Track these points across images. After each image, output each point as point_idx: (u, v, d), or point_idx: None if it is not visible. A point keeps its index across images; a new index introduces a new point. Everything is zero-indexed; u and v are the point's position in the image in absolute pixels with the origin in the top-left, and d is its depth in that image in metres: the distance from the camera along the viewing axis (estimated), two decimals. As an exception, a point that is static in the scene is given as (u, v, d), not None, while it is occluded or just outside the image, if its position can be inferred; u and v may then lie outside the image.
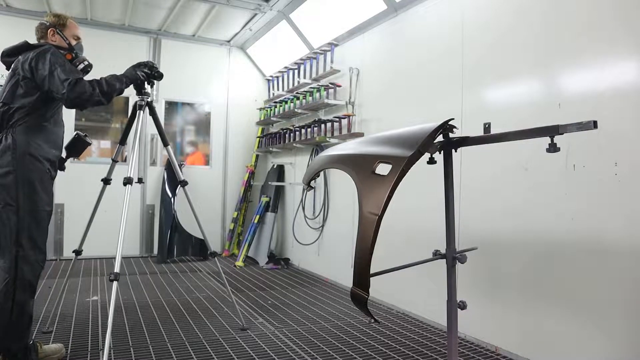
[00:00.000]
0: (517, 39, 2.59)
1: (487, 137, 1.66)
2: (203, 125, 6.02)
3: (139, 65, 2.55)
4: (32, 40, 2.40)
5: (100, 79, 2.26)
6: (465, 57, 2.93)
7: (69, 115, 5.19)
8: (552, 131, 1.31)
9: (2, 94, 2.22)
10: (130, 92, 2.67)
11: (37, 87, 2.16)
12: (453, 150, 1.67)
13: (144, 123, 2.88)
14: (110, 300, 2.18)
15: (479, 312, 2.61)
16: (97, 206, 2.81)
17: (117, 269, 2.24)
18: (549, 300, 2.34)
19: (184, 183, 2.87)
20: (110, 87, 2.28)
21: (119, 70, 2.47)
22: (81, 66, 2.35)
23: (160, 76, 2.62)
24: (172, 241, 5.28)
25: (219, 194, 5.97)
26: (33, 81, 2.15)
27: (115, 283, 2.21)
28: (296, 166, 5.23)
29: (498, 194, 2.67)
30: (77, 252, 2.87)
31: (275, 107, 5.45)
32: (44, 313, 3.08)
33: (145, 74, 2.55)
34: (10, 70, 2.25)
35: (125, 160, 4.75)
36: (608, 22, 2.14)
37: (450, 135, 1.64)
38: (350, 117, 4.07)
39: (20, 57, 2.23)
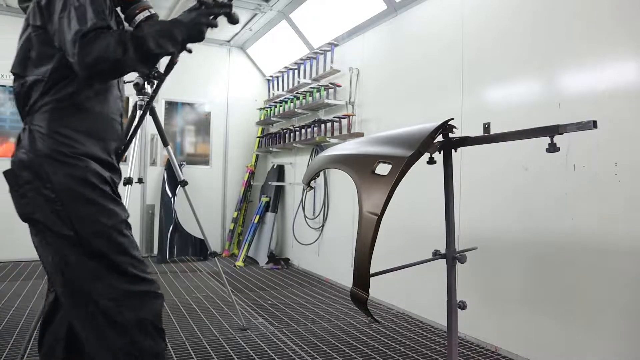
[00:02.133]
0: (517, 39, 2.59)
1: (487, 137, 1.66)
2: (203, 125, 6.02)
3: (200, 9, 1.40)
4: None
5: (138, 30, 1.35)
6: (465, 57, 2.93)
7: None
8: (552, 131, 1.31)
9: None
10: (130, 92, 2.64)
11: (53, 43, 1.37)
12: (453, 150, 1.67)
13: (144, 123, 2.87)
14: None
15: (479, 312, 2.61)
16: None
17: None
18: (549, 300, 2.34)
19: (184, 183, 2.87)
20: (156, 46, 1.31)
21: None
22: (141, 16, 1.47)
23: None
24: (172, 241, 5.29)
25: (219, 194, 5.97)
26: (47, 33, 1.38)
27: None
28: (296, 166, 5.23)
29: (498, 194, 2.67)
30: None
31: (275, 107, 5.45)
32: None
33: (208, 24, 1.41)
34: (24, 21, 1.48)
35: (125, 161, 4.74)
36: (608, 22, 2.14)
37: (450, 135, 1.64)
38: (350, 117, 4.07)
39: None
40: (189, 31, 1.37)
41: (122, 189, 2.39)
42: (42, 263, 1.46)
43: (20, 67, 1.43)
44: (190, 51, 1.49)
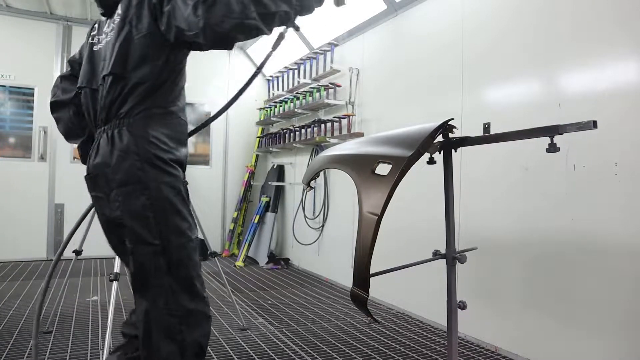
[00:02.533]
0: (517, 39, 2.59)
1: (487, 137, 1.66)
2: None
3: None
4: None
5: None
6: (465, 57, 2.93)
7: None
8: (552, 131, 1.31)
9: (106, 61, 1.43)
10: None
11: (162, 42, 1.36)
12: (453, 150, 1.67)
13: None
14: (110, 300, 2.18)
15: (479, 312, 2.61)
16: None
17: (117, 269, 2.24)
18: (549, 300, 2.34)
19: (184, 183, 2.87)
20: (272, 3, 1.31)
21: None
22: None
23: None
24: (172, 241, 5.28)
25: (219, 194, 5.97)
26: (156, 33, 1.35)
27: (115, 283, 2.21)
28: (296, 166, 5.23)
29: (498, 194, 2.67)
30: (77, 252, 2.87)
31: (275, 107, 5.45)
32: (44, 313, 3.08)
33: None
34: (117, 20, 1.43)
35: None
36: (608, 22, 2.14)
37: (450, 135, 1.64)
38: (350, 117, 4.07)
39: None
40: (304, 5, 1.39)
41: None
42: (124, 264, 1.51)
43: (121, 67, 1.38)
44: (297, 28, 1.53)
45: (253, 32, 1.32)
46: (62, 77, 1.70)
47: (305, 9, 1.43)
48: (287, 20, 1.40)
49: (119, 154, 1.37)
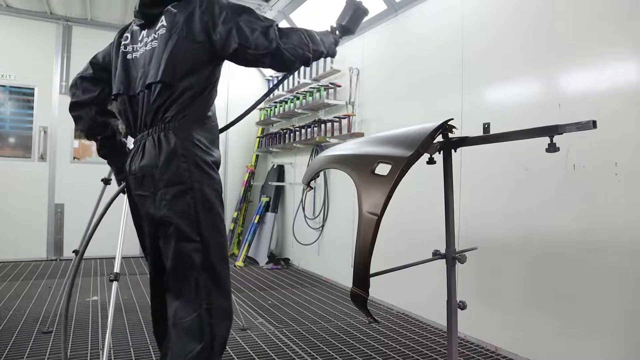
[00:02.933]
0: (517, 39, 2.59)
1: (487, 137, 1.66)
2: (203, 125, 6.02)
3: (337, 35, 1.85)
4: None
5: (308, 30, 1.64)
6: (465, 57, 2.93)
7: (68, 114, 5.20)
8: (551, 131, 1.31)
9: (148, 68, 1.51)
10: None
11: (211, 54, 1.50)
12: (453, 150, 1.67)
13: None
14: (110, 300, 2.18)
15: (479, 312, 2.61)
16: (97, 206, 2.82)
17: (117, 269, 2.24)
18: (549, 300, 2.33)
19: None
20: (321, 44, 1.66)
21: None
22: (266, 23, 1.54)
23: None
24: (172, 241, 5.28)
25: (219, 194, 5.97)
26: (206, 46, 1.48)
27: (115, 283, 2.21)
28: (296, 166, 5.23)
29: (498, 194, 2.67)
30: (77, 252, 2.86)
31: (275, 107, 5.45)
32: (44, 313, 3.08)
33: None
34: (161, 31, 1.53)
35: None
36: (608, 22, 2.14)
37: (450, 135, 1.64)
38: (350, 117, 4.07)
39: (171, 8, 1.54)
40: (331, 46, 1.76)
41: (122, 189, 2.39)
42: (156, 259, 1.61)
43: (170, 76, 1.47)
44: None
45: (307, 64, 1.62)
46: (83, 78, 1.76)
47: (331, 54, 1.78)
48: (318, 59, 1.72)
49: (166, 155, 1.46)
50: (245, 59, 1.51)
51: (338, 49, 1.83)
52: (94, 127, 1.73)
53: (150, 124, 1.51)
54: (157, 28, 1.54)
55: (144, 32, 1.60)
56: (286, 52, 1.52)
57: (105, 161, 1.84)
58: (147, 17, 1.59)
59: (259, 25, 1.48)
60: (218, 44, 1.47)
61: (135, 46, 1.62)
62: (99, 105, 1.72)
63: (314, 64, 4.61)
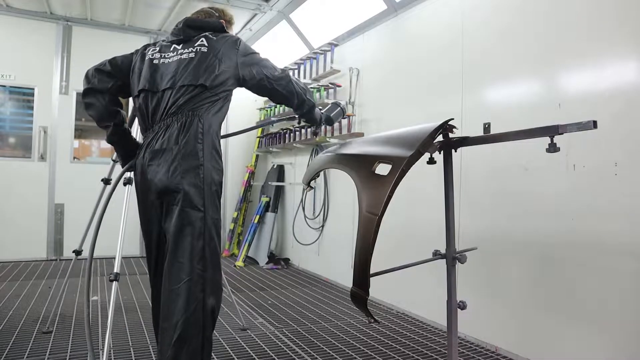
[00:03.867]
0: (517, 39, 2.59)
1: (487, 137, 1.66)
2: (203, 125, 6.01)
3: (339, 111, 2.38)
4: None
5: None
6: (465, 57, 2.93)
7: (68, 114, 5.20)
8: (551, 131, 1.31)
9: (181, 72, 1.80)
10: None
11: (234, 80, 1.86)
12: (453, 150, 1.67)
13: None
14: (110, 300, 2.18)
15: (479, 312, 2.61)
16: (97, 206, 2.82)
17: (117, 269, 2.24)
18: (549, 300, 2.34)
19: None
20: (312, 100, 2.13)
21: None
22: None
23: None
24: (172, 241, 5.28)
25: (219, 194, 5.97)
26: (236, 72, 1.85)
27: (115, 283, 2.21)
28: (296, 166, 5.23)
29: (498, 194, 2.67)
30: (77, 252, 2.87)
31: (276, 107, 5.45)
32: (44, 313, 3.08)
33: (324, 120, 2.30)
34: (200, 48, 1.85)
35: (125, 160, 4.75)
36: (608, 22, 2.14)
37: (450, 135, 1.64)
38: (350, 117, 4.07)
39: (209, 35, 1.90)
40: (329, 119, 2.30)
41: (122, 189, 2.39)
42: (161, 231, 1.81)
43: (207, 82, 1.78)
44: (315, 134, 2.60)
45: (302, 106, 2.06)
46: (99, 70, 1.91)
47: (329, 123, 2.36)
48: (309, 112, 2.13)
49: (188, 134, 1.72)
50: (264, 86, 1.92)
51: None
52: (105, 114, 1.88)
53: (176, 112, 1.75)
54: (195, 45, 1.85)
55: (178, 46, 1.89)
56: (296, 84, 1.99)
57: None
58: (186, 35, 1.91)
59: (277, 70, 1.95)
60: (247, 75, 1.87)
61: (165, 54, 1.88)
62: (111, 95, 1.90)
63: (314, 64, 4.62)
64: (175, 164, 1.69)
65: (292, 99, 2.00)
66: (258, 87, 1.93)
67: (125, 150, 1.97)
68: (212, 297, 1.69)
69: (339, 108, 2.39)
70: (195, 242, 1.67)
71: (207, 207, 1.70)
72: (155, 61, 1.88)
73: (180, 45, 1.89)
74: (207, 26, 1.96)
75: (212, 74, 1.79)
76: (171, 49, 1.89)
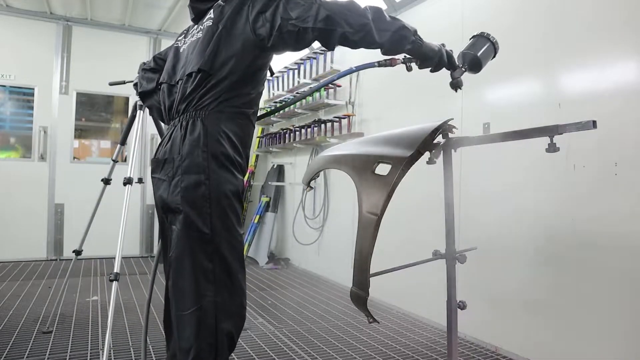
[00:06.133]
0: (517, 39, 2.59)
1: (487, 137, 1.66)
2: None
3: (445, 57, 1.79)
4: None
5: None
6: (465, 57, 2.93)
7: (68, 114, 5.20)
8: (551, 131, 1.31)
9: (190, 59, 1.54)
10: (130, 92, 2.64)
11: (252, 45, 1.45)
12: (453, 150, 1.67)
13: (145, 123, 2.87)
14: (110, 300, 2.18)
15: (479, 312, 2.60)
16: (97, 206, 2.82)
17: (117, 269, 2.24)
18: (549, 300, 2.33)
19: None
20: (382, 20, 1.47)
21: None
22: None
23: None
24: (172, 241, 5.28)
25: (219, 194, 5.97)
26: (249, 39, 1.45)
27: (115, 283, 2.21)
28: (296, 166, 5.23)
29: (498, 194, 2.66)
30: (77, 252, 2.87)
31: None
32: (44, 313, 3.08)
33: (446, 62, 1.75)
34: (207, 23, 1.55)
35: (125, 161, 4.75)
36: (609, 22, 2.14)
37: (450, 135, 1.64)
38: (350, 117, 4.07)
39: (220, 1, 1.56)
40: (474, 61, 1.64)
41: (122, 189, 2.39)
42: (166, 249, 1.59)
43: (209, 65, 1.46)
44: (410, 69, 1.79)
45: (367, 43, 1.52)
46: (145, 69, 1.84)
47: (426, 59, 1.81)
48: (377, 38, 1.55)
49: (189, 143, 1.44)
50: (288, 32, 1.38)
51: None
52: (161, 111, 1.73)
53: (183, 111, 1.51)
54: (204, 20, 1.57)
55: (195, 26, 1.64)
56: (330, 11, 1.35)
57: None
58: (197, 12, 1.64)
59: (303, 1, 1.39)
60: (263, 30, 1.42)
61: (186, 39, 1.66)
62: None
63: (314, 64, 4.60)
64: (177, 179, 1.45)
65: (342, 33, 1.42)
66: (284, 40, 1.41)
67: None
68: (228, 321, 1.47)
69: (490, 43, 1.64)
70: (200, 267, 1.44)
71: (214, 227, 1.43)
72: (180, 49, 1.67)
73: (196, 27, 1.63)
74: None
75: (211, 53, 1.45)
76: (190, 32, 1.66)
